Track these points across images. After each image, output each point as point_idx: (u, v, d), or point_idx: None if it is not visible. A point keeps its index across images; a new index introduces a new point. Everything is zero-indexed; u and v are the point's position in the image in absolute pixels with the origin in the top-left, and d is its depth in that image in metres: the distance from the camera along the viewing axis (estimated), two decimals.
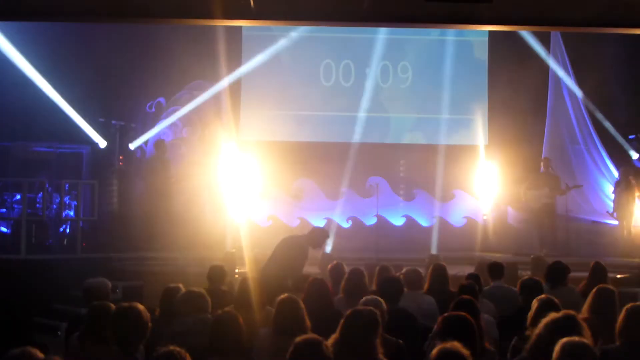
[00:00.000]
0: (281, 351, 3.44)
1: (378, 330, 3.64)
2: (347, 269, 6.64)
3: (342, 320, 3.68)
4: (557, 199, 11.12)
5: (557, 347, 3.04)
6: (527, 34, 11.70)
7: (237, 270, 8.84)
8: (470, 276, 6.26)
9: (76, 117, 11.37)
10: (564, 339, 3.07)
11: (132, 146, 11.94)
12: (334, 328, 3.72)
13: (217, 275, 6.48)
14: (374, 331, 3.62)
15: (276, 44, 12.24)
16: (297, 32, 12.16)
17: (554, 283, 6.14)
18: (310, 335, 3.33)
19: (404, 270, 6.06)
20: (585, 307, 4.79)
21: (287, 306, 4.37)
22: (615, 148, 11.94)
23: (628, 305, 4.06)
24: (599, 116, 11.86)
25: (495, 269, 6.58)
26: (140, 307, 3.98)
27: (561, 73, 12.11)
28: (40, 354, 3.16)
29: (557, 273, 6.28)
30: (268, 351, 4.20)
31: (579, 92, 11.94)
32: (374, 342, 3.59)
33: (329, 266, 6.76)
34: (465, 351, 2.97)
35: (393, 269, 6.58)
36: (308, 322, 4.32)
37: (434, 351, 3.01)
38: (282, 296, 4.47)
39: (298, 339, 3.24)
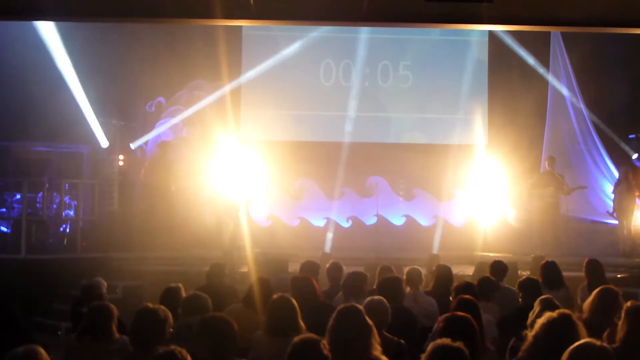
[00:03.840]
0: (277, 351, 3.42)
1: (366, 326, 3.59)
2: (345, 268, 6.66)
3: (330, 320, 3.67)
4: (559, 198, 11.12)
5: (571, 350, 2.98)
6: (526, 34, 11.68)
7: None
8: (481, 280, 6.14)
9: (76, 117, 11.36)
10: (580, 342, 3.03)
11: (132, 146, 11.94)
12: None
13: (217, 272, 6.50)
14: (362, 328, 3.57)
15: (276, 44, 12.26)
16: (297, 32, 12.17)
17: (550, 285, 6.15)
18: (308, 334, 3.32)
19: (406, 269, 6.04)
20: (586, 306, 4.78)
21: (280, 306, 4.35)
22: (615, 148, 11.93)
23: (627, 305, 4.04)
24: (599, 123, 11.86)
25: (499, 269, 6.57)
26: (162, 308, 3.99)
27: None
28: (44, 353, 3.16)
29: (552, 275, 6.31)
30: (264, 353, 4.19)
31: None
32: (364, 338, 3.54)
33: (327, 265, 6.77)
34: (459, 345, 2.97)
35: (394, 269, 6.57)
36: (302, 322, 4.31)
37: (429, 348, 3.01)
38: (275, 296, 4.46)
39: (296, 338, 3.22)
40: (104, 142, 11.76)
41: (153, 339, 3.82)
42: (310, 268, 6.60)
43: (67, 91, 11.15)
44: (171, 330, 3.99)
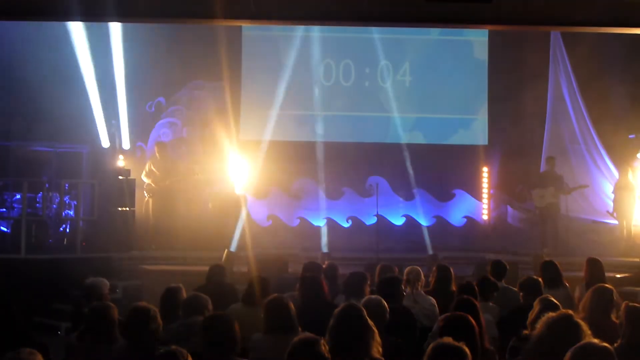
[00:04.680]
0: (277, 351, 3.42)
1: (367, 326, 3.60)
2: (344, 268, 6.65)
3: (331, 319, 3.67)
4: (560, 198, 11.12)
5: (573, 350, 2.96)
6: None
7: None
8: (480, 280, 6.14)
9: (76, 117, 11.35)
10: (582, 342, 3.02)
11: (130, 146, 11.93)
12: None
13: (217, 272, 6.50)
14: (362, 328, 3.58)
15: (276, 44, 12.27)
16: (297, 32, 12.17)
17: (549, 284, 6.16)
18: (307, 334, 3.32)
19: (406, 269, 6.05)
20: (582, 306, 4.79)
21: (276, 305, 4.36)
22: (615, 148, 11.92)
23: (626, 304, 4.04)
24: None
25: (499, 269, 6.58)
26: (153, 307, 4.00)
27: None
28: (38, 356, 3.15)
29: (551, 274, 6.32)
30: (265, 353, 4.19)
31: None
32: (365, 339, 3.55)
33: (323, 267, 6.78)
34: (461, 345, 2.97)
35: (396, 268, 6.56)
36: (308, 320, 4.32)
37: (430, 346, 3.01)
38: (271, 297, 4.48)
39: (296, 338, 3.22)
40: (103, 142, 11.75)
41: (148, 337, 3.81)
42: (313, 268, 6.61)
43: (68, 91, 11.15)
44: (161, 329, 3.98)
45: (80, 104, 11.12)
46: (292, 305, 4.37)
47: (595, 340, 3.00)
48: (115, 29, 11.40)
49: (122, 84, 11.61)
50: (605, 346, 2.96)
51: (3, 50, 10.97)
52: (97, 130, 11.54)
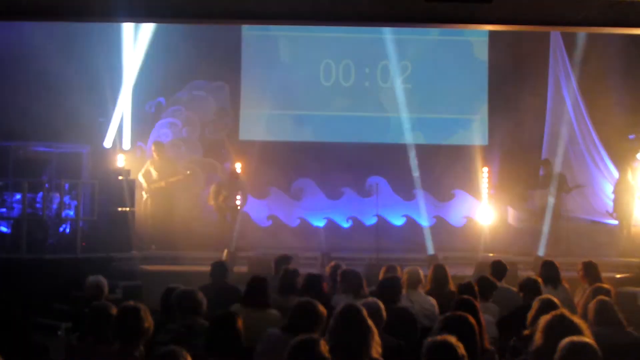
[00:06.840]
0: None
1: (367, 326, 3.60)
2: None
3: (331, 319, 3.66)
4: (559, 198, 11.11)
5: (560, 347, 3.00)
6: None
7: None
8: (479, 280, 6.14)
9: (76, 117, 11.35)
10: (567, 339, 3.03)
11: (130, 146, 11.94)
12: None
13: (219, 271, 6.49)
14: (363, 328, 3.58)
15: (276, 44, 12.27)
16: (297, 32, 12.17)
17: (550, 283, 6.17)
18: (307, 334, 3.32)
19: (405, 270, 6.05)
20: (581, 306, 4.81)
21: (307, 309, 4.16)
22: (615, 148, 11.92)
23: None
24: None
25: (499, 269, 6.58)
26: (143, 306, 3.97)
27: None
28: None
29: (550, 274, 6.33)
30: (277, 350, 4.16)
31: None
32: (365, 339, 3.55)
33: (327, 267, 6.77)
34: (457, 343, 2.98)
35: (400, 268, 6.55)
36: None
37: (425, 344, 3.02)
38: (303, 299, 4.31)
39: (296, 338, 3.23)
40: (103, 142, 11.75)
41: (137, 336, 3.80)
42: (285, 261, 6.63)
43: (67, 91, 11.15)
44: (152, 325, 3.95)
45: (81, 104, 11.12)
46: (323, 312, 4.17)
47: (582, 337, 3.03)
48: (115, 29, 11.40)
49: (122, 84, 11.62)
50: (584, 340, 3.01)
51: (3, 50, 10.97)
52: (97, 130, 11.55)
